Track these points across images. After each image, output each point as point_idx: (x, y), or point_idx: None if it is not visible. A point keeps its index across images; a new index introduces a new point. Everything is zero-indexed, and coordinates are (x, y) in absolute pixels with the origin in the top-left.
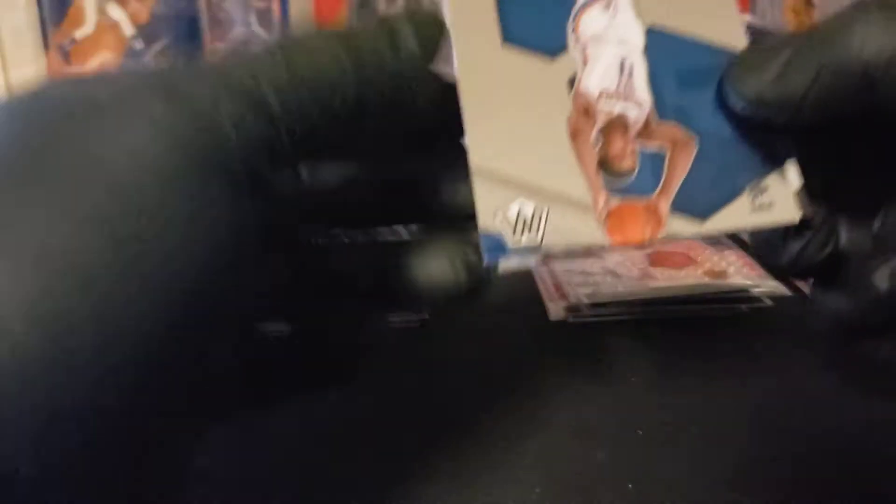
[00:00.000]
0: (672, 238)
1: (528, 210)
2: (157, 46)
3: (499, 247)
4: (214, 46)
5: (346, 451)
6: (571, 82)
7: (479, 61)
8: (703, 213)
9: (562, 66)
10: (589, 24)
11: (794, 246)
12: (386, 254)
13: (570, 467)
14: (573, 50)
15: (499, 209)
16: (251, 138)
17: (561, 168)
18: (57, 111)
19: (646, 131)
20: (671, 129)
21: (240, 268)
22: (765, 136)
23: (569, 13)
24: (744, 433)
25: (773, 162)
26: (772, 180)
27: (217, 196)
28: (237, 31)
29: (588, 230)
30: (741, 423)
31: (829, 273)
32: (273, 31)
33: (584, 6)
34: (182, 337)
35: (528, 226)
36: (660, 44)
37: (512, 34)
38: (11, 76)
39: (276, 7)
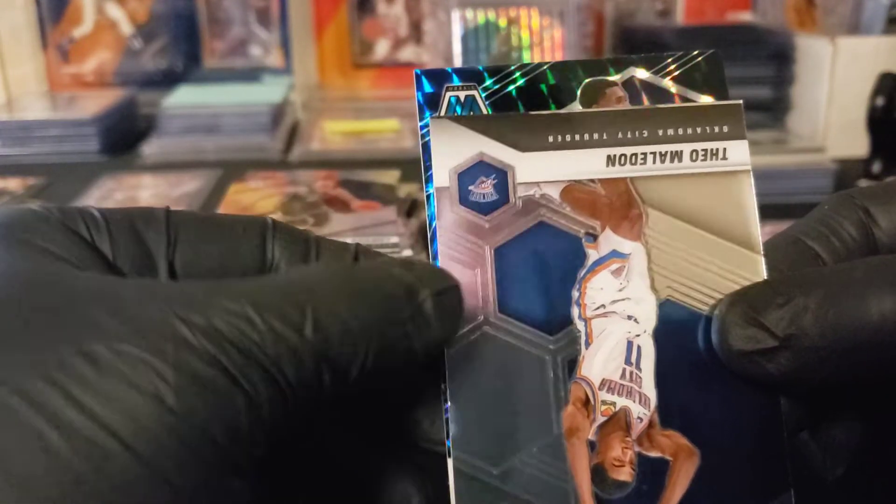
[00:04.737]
0: None
1: None
2: (156, 45)
3: None
4: (213, 45)
5: None
6: (571, 364)
7: (467, 336)
8: None
9: (561, 345)
10: (597, 292)
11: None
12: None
13: None
14: (577, 322)
15: None
16: (264, 412)
17: (550, 475)
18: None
19: (647, 436)
20: (674, 439)
21: None
22: (772, 448)
23: (574, 281)
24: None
25: (779, 484)
26: None
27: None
28: (236, 30)
29: None
30: None
31: None
32: (272, 30)
33: (594, 269)
34: None
35: None
36: (673, 322)
37: (508, 305)
38: (9, 75)
39: (275, 6)
